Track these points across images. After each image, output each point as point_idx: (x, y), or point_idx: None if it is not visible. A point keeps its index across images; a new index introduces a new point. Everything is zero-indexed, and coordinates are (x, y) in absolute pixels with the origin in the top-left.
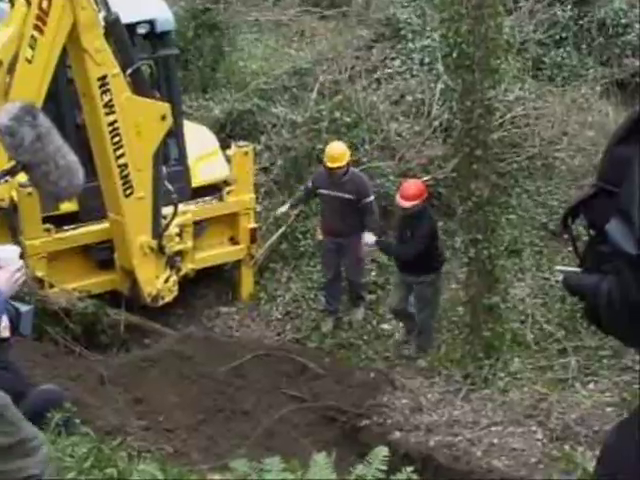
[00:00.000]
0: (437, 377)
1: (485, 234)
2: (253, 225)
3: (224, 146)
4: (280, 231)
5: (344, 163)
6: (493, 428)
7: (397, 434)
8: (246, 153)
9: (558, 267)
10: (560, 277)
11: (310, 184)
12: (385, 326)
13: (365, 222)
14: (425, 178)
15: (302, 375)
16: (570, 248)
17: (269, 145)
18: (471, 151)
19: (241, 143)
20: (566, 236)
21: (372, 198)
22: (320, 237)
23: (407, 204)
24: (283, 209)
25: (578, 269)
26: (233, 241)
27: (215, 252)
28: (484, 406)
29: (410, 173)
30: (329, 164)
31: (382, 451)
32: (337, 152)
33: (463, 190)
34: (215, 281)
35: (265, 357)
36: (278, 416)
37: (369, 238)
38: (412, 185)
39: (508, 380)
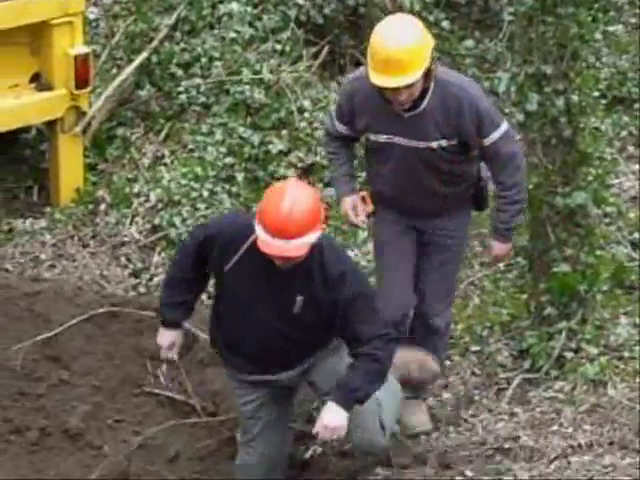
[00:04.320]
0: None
1: (559, 63)
2: (82, 49)
3: None
4: (139, 59)
5: (420, 73)
6: (574, 458)
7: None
8: None
9: None
10: None
11: (338, 127)
12: None
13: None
14: None
15: (187, 355)
16: None
17: None
18: None
19: None
20: None
21: (505, 128)
22: (370, 209)
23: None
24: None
25: None
26: (40, 82)
27: (3, 106)
28: (556, 414)
29: None
30: (383, 81)
31: None
32: (400, 48)
33: None
34: (5, 166)
35: (112, 319)
36: (141, 439)
37: (501, 248)
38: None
39: (605, 361)
